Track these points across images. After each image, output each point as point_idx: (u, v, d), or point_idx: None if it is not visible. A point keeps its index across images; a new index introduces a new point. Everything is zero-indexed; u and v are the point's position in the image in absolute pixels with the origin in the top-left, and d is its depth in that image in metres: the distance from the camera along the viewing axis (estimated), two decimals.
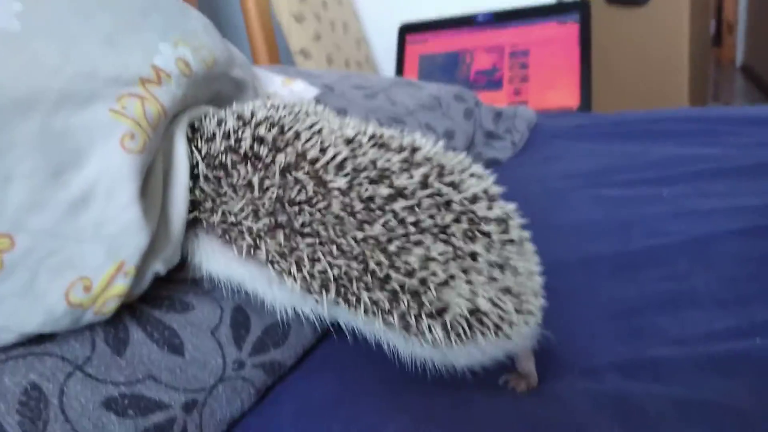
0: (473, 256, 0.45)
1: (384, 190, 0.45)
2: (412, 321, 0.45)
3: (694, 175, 0.89)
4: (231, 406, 0.47)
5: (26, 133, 0.38)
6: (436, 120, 1.07)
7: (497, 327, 0.46)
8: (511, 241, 0.48)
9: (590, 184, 0.94)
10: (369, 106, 1.00)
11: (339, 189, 0.45)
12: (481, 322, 0.46)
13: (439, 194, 0.46)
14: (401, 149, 0.48)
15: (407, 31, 2.06)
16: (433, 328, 0.45)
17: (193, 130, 0.52)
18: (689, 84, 2.22)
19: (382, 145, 0.48)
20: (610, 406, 0.47)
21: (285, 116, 0.50)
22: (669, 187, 0.87)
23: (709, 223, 0.72)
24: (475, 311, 0.45)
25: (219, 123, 0.50)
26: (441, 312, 0.45)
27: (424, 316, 0.45)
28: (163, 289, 0.49)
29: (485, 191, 0.48)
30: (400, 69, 2.05)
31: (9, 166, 0.37)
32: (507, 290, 0.47)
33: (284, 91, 0.84)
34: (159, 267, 0.46)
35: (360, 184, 0.45)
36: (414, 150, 0.49)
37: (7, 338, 0.39)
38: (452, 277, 0.45)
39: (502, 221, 0.48)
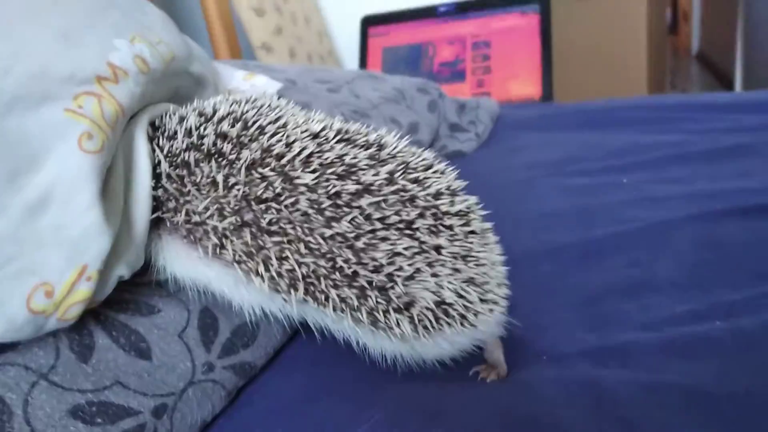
0: (437, 249, 0.46)
1: (351, 186, 0.45)
2: (381, 316, 0.45)
3: (654, 161, 0.91)
4: (202, 410, 0.47)
5: None
6: (400, 113, 1.07)
7: (462, 317, 0.47)
8: (473, 232, 0.49)
9: (553, 174, 0.95)
10: (333, 100, 0.99)
11: (306, 185, 0.44)
12: (447, 314, 0.46)
13: (404, 190, 0.46)
14: (368, 146, 0.48)
15: (369, 23, 2.06)
16: (400, 322, 0.45)
17: (154, 128, 0.50)
18: (648, 72, 2.27)
19: (349, 141, 0.48)
20: (580, 392, 0.48)
21: (248, 111, 0.49)
22: (629, 174, 0.89)
23: (668, 209, 0.74)
24: (440, 303, 0.46)
25: (180, 120, 0.49)
26: (408, 306, 0.45)
27: (391, 311, 0.45)
28: (128, 293, 0.48)
29: (448, 187, 0.49)
30: (363, 62, 2.04)
31: None
32: (471, 281, 0.47)
33: (246, 86, 0.83)
34: (123, 270, 0.45)
35: (327, 180, 0.45)
36: (380, 147, 0.49)
37: None
38: (418, 270, 0.45)
39: (464, 214, 0.49)
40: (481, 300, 0.48)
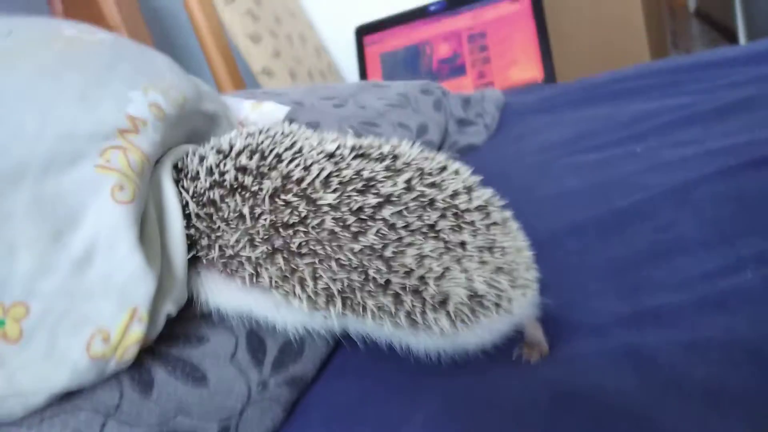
0: (462, 245, 0.48)
1: (372, 200, 0.46)
2: (418, 318, 0.47)
3: (664, 127, 0.92)
4: (262, 427, 0.49)
5: (20, 203, 0.40)
6: (407, 117, 1.08)
7: (497, 305, 0.48)
8: (495, 223, 0.50)
9: (566, 153, 0.96)
10: (341, 115, 1.01)
11: (329, 205, 0.46)
12: (482, 305, 0.48)
13: (423, 196, 0.48)
14: (383, 158, 0.50)
15: (363, 32, 2.08)
16: (438, 320, 0.47)
17: (177, 170, 0.53)
18: (648, 36, 2.25)
19: (364, 156, 0.50)
20: (622, 360, 0.49)
21: (263, 141, 0.51)
22: (641, 143, 0.89)
23: (685, 171, 0.74)
24: (473, 296, 0.47)
25: (201, 160, 0.52)
26: (443, 303, 0.47)
27: (428, 311, 0.47)
28: (177, 327, 0.51)
29: (464, 185, 0.51)
30: (363, 72, 2.07)
31: (10, 236, 0.39)
32: (499, 270, 0.49)
33: (255, 114, 0.85)
34: (170, 308, 0.47)
35: (348, 197, 0.47)
36: (395, 157, 0.50)
37: (37, 401, 0.40)
38: (447, 269, 0.47)
39: (483, 207, 0.50)
40: (512, 286, 0.50)
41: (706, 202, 0.67)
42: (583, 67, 2.12)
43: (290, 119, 0.89)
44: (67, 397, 0.42)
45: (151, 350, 0.48)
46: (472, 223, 0.49)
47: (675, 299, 0.55)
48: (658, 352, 0.48)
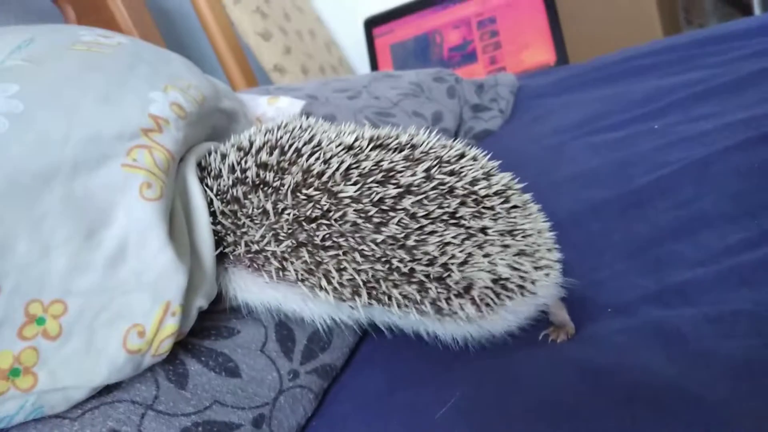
0: (484, 230, 0.48)
1: (392, 191, 0.47)
2: (444, 304, 0.48)
3: (681, 102, 0.91)
4: (295, 414, 0.50)
5: (53, 204, 0.41)
6: (421, 105, 1.09)
7: (521, 287, 0.49)
8: (515, 207, 0.51)
9: (582, 134, 0.96)
10: (355, 107, 1.02)
11: (350, 197, 0.47)
12: (506, 288, 0.48)
13: (443, 184, 0.48)
14: (401, 147, 0.50)
15: (372, 24, 2.08)
16: (463, 306, 0.48)
17: (201, 168, 0.54)
18: (659, 13, 2.22)
19: (382, 146, 0.51)
20: (648, 336, 0.49)
21: (282, 136, 0.52)
22: (658, 120, 0.88)
23: (705, 146, 0.74)
24: (497, 280, 0.48)
25: (222, 158, 0.52)
26: (468, 289, 0.48)
27: (453, 298, 0.47)
28: (208, 321, 0.52)
29: (483, 171, 0.51)
30: (374, 64, 2.07)
31: (45, 237, 0.40)
32: (521, 252, 0.49)
33: (271, 110, 0.86)
34: (201, 302, 0.48)
35: (369, 189, 0.47)
36: (413, 146, 0.51)
37: (79, 395, 0.42)
38: (470, 254, 0.47)
39: (503, 192, 0.51)
40: (535, 268, 0.50)
41: (727, 175, 0.67)
42: (596, 48, 2.09)
43: (306, 113, 0.89)
44: (106, 390, 0.44)
45: (185, 344, 0.49)
46: (492, 208, 0.49)
47: (700, 274, 0.55)
48: (684, 328, 0.49)
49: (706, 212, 0.63)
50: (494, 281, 0.48)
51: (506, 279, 0.48)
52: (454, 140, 0.54)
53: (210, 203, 0.51)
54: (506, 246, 0.49)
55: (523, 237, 0.50)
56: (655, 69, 1.12)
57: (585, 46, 2.08)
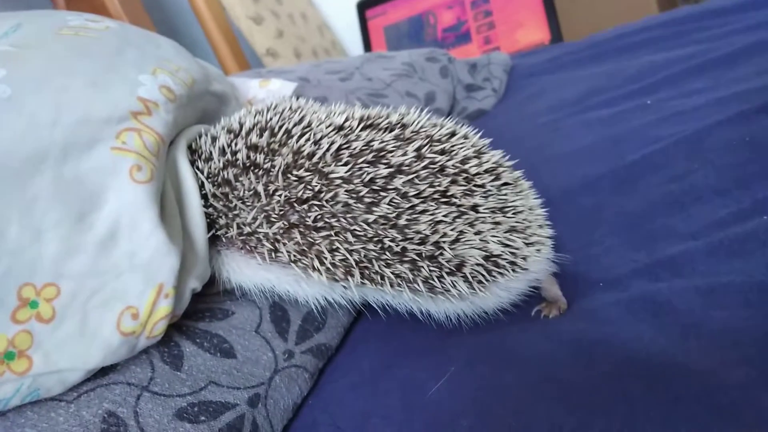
0: (475, 208, 0.48)
1: (383, 170, 0.47)
2: (436, 282, 0.48)
3: (673, 77, 0.91)
4: (291, 393, 0.50)
5: (43, 188, 0.41)
6: (414, 86, 1.08)
7: (512, 264, 0.49)
8: (506, 184, 0.51)
9: (576, 112, 0.96)
10: (347, 88, 1.01)
11: (341, 178, 0.47)
12: (497, 265, 0.49)
13: (433, 163, 0.48)
14: (392, 127, 0.50)
15: (365, 6, 2.06)
16: (456, 283, 0.48)
17: (191, 151, 0.54)
18: None
19: (373, 126, 0.50)
20: (640, 309, 0.50)
21: (272, 118, 0.51)
22: (651, 95, 0.88)
23: (697, 120, 0.74)
24: (489, 257, 0.48)
25: (213, 140, 0.52)
26: (460, 267, 0.48)
27: (445, 275, 0.48)
28: (202, 303, 0.52)
29: (473, 149, 0.51)
30: (367, 47, 2.06)
31: (37, 220, 0.40)
32: (512, 229, 0.49)
33: (263, 92, 0.85)
34: (194, 284, 0.48)
35: (360, 169, 0.47)
36: (404, 126, 0.51)
37: (74, 377, 0.42)
38: (462, 232, 0.48)
39: (493, 170, 0.51)
40: (527, 244, 0.50)
41: (720, 149, 0.67)
42: (591, 26, 2.08)
43: (297, 95, 0.89)
44: (101, 372, 0.44)
45: (179, 326, 0.49)
46: (482, 186, 0.49)
47: (691, 247, 0.55)
48: (676, 299, 0.49)
49: (697, 186, 0.63)
50: (486, 258, 0.48)
51: (497, 256, 0.49)
52: (445, 119, 0.54)
53: (201, 186, 0.51)
54: (497, 223, 0.49)
55: (514, 214, 0.50)
56: (649, 45, 1.11)
57: (580, 24, 2.07)
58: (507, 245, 0.49)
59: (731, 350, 0.42)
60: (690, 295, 0.49)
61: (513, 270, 0.50)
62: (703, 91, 0.82)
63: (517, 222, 0.50)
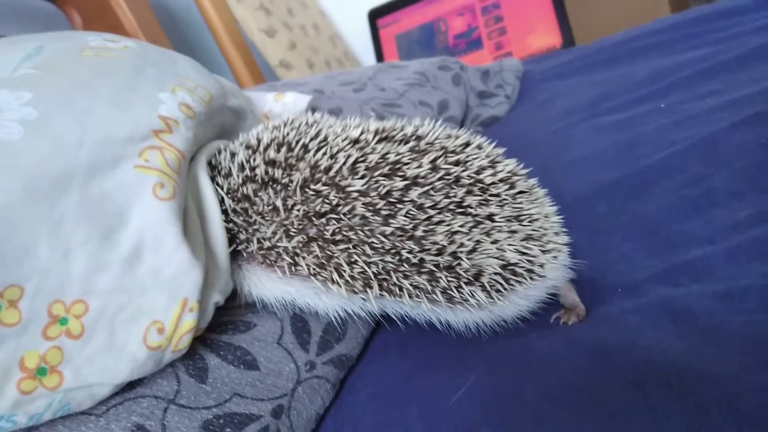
0: (490, 217, 0.49)
1: (399, 183, 0.48)
2: (454, 293, 0.48)
3: (686, 80, 0.91)
4: (314, 404, 0.51)
5: (70, 207, 0.42)
6: (427, 94, 1.09)
7: (529, 271, 0.49)
8: (521, 192, 0.51)
9: (589, 117, 0.96)
10: (361, 99, 1.02)
11: (358, 191, 0.48)
12: (515, 273, 0.49)
13: (448, 174, 0.49)
14: (407, 139, 0.51)
15: (376, 16, 2.08)
16: (474, 293, 0.48)
17: (211, 167, 0.55)
18: None
19: (388, 138, 0.51)
20: (658, 315, 0.50)
21: (289, 133, 0.52)
22: (664, 98, 0.88)
23: (711, 123, 0.74)
24: (506, 265, 0.49)
25: (232, 156, 0.53)
26: (477, 276, 0.48)
27: (463, 285, 0.48)
28: (225, 316, 0.53)
29: (488, 159, 0.52)
30: (379, 56, 2.07)
31: (65, 239, 0.41)
32: (529, 237, 0.50)
33: (278, 106, 0.87)
34: (217, 297, 0.49)
35: (376, 182, 0.48)
36: (419, 138, 0.51)
37: (103, 392, 0.43)
38: (478, 242, 0.48)
39: (508, 179, 0.51)
40: (543, 251, 0.51)
41: (734, 152, 0.67)
42: (603, 29, 2.08)
43: (312, 108, 0.90)
44: (129, 386, 0.45)
45: (204, 339, 0.50)
46: (498, 195, 0.50)
47: (709, 251, 0.55)
48: (694, 304, 0.49)
49: (713, 190, 0.63)
50: (503, 267, 0.49)
51: (515, 264, 0.49)
52: (460, 128, 0.55)
53: (221, 202, 0.52)
54: (513, 231, 0.50)
55: (529, 222, 0.51)
56: (661, 48, 1.11)
57: (592, 27, 2.06)
58: (524, 253, 0.50)
59: (752, 355, 0.42)
60: (709, 300, 0.49)
61: (530, 278, 0.50)
62: (717, 94, 0.82)
63: (533, 230, 0.51)
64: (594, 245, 0.63)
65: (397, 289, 0.48)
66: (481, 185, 0.50)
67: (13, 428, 0.40)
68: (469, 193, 0.49)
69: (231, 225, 0.52)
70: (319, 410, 0.52)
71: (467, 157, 0.51)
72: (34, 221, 0.40)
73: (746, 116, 0.70)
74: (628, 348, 0.47)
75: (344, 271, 0.48)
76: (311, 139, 0.51)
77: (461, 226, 0.48)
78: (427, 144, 0.51)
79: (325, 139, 0.51)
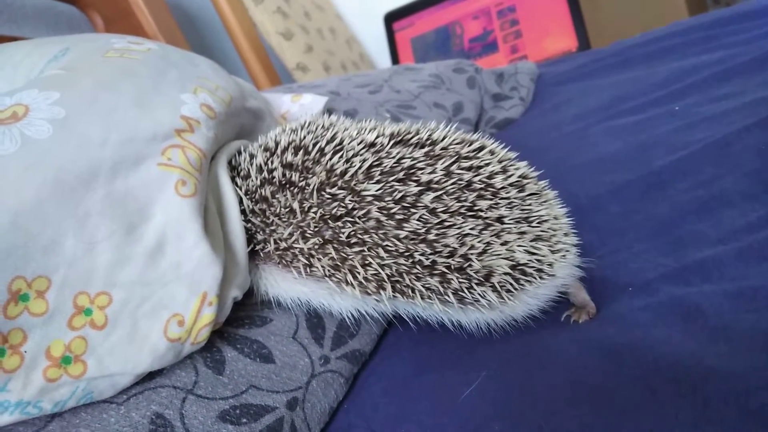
0: (500, 220, 0.50)
1: (413, 188, 0.49)
2: (466, 294, 0.49)
3: (702, 83, 0.91)
4: (327, 397, 0.52)
5: (96, 202, 0.44)
6: (442, 97, 1.10)
7: (539, 271, 0.50)
8: (531, 194, 0.52)
9: (603, 119, 0.96)
10: (376, 101, 1.03)
11: (373, 195, 0.49)
12: (525, 273, 0.50)
13: (461, 179, 0.50)
14: (422, 143, 0.52)
15: (392, 19, 2.09)
16: (485, 294, 0.49)
17: (231, 168, 0.56)
18: None
19: (402, 141, 0.52)
20: (668, 313, 0.50)
21: (306, 136, 0.54)
22: (679, 101, 0.88)
23: (724, 125, 0.74)
24: (516, 266, 0.50)
25: (250, 158, 0.55)
26: (488, 277, 0.49)
27: (474, 286, 0.49)
28: (242, 311, 0.55)
29: (500, 165, 0.53)
30: (395, 59, 2.08)
31: (90, 233, 0.43)
32: (538, 238, 0.51)
33: (295, 107, 0.88)
34: (236, 293, 0.51)
35: (391, 187, 0.49)
36: (433, 142, 0.53)
37: (124, 381, 0.44)
38: (488, 244, 0.49)
39: (518, 182, 0.52)
40: (552, 251, 0.51)
41: (749, 153, 0.67)
42: (619, 32, 2.07)
43: (329, 109, 0.91)
44: (149, 376, 0.46)
45: (221, 333, 0.52)
46: (507, 198, 0.51)
47: (720, 252, 0.55)
48: (705, 303, 0.49)
49: (726, 191, 0.63)
50: (513, 267, 0.50)
51: (524, 264, 0.50)
52: (475, 130, 0.56)
53: (240, 201, 0.54)
54: (523, 233, 0.50)
55: (539, 223, 0.52)
56: (676, 50, 1.11)
57: (608, 30, 2.06)
58: (533, 254, 0.50)
59: (761, 353, 0.42)
60: (719, 299, 0.49)
61: (540, 277, 0.51)
62: (731, 96, 0.82)
63: (542, 231, 0.51)
64: (606, 244, 0.63)
65: (409, 291, 0.49)
66: (492, 189, 0.51)
67: (39, 414, 0.41)
68: (480, 197, 0.50)
69: (249, 225, 0.53)
70: (332, 403, 0.53)
71: (480, 162, 0.52)
72: (61, 216, 0.42)
73: (760, 119, 0.71)
74: (638, 345, 0.48)
75: (358, 272, 0.49)
76: (327, 143, 0.52)
77: (472, 228, 0.49)
78: (441, 149, 0.52)
79: (341, 142, 0.52)
